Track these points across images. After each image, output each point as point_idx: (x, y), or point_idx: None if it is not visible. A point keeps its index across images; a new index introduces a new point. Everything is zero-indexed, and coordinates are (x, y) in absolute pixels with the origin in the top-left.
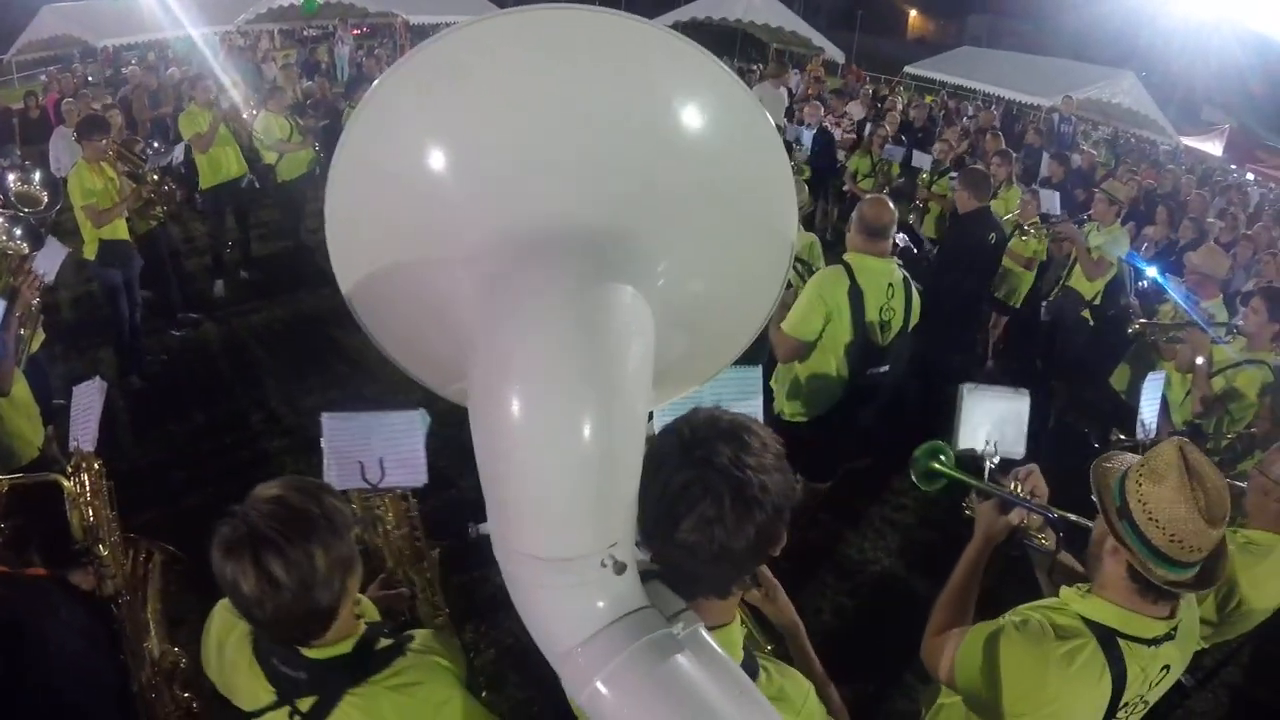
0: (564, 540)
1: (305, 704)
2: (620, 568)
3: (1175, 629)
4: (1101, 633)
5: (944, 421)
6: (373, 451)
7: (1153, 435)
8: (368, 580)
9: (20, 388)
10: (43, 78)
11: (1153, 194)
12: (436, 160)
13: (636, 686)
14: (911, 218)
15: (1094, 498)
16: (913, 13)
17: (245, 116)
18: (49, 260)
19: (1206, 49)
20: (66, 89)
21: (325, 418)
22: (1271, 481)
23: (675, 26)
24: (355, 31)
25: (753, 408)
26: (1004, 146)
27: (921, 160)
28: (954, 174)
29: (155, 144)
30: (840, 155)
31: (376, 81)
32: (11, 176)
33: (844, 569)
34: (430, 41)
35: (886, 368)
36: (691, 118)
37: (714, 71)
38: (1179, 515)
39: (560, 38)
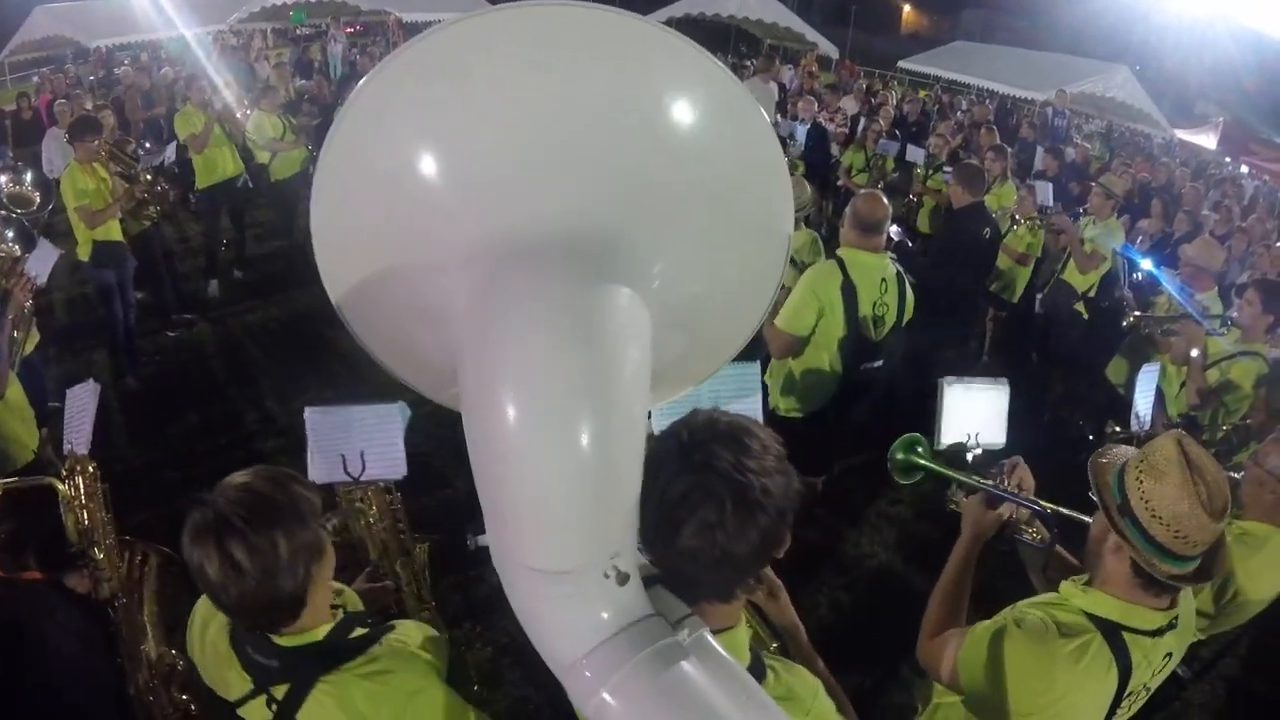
0: (565, 552)
1: (279, 691)
2: (624, 578)
3: (1176, 618)
4: (1105, 627)
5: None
6: (353, 445)
7: (1147, 427)
8: (356, 572)
9: (14, 391)
10: (35, 79)
11: (1147, 187)
12: (426, 161)
13: (643, 697)
14: (905, 212)
15: (1093, 495)
16: (906, 8)
17: (239, 116)
18: (41, 262)
19: (1201, 44)
20: (59, 90)
21: (308, 412)
22: (1266, 473)
23: (668, 23)
24: (349, 29)
25: (752, 405)
26: (999, 141)
27: (915, 155)
28: (948, 169)
29: (147, 144)
30: (834, 150)
31: (362, 81)
32: (3, 178)
33: (840, 564)
34: (418, 39)
35: (880, 363)
36: (687, 116)
37: (708, 68)
38: (1182, 511)
39: (553, 34)
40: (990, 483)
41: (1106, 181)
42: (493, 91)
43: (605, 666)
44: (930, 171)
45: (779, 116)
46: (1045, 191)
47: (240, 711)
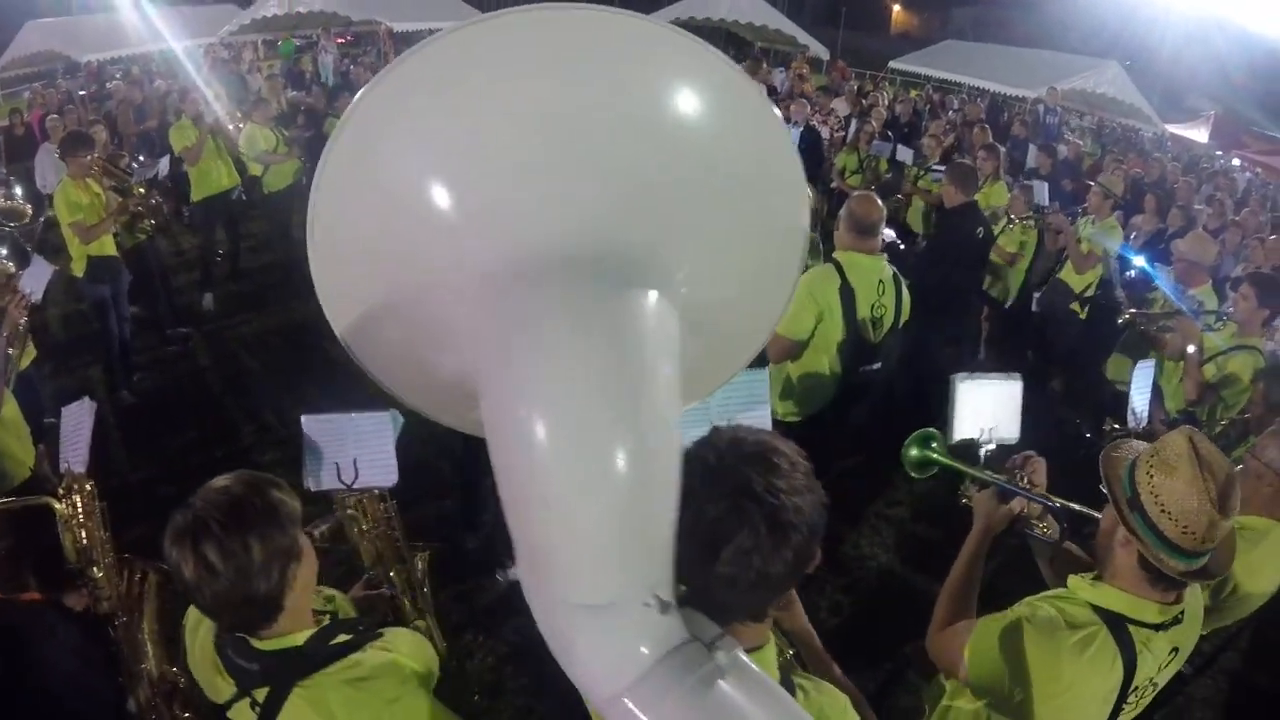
0: (608, 584)
1: (260, 695)
2: (665, 607)
3: (1182, 613)
4: (1112, 620)
5: (936, 416)
6: (347, 452)
7: (1144, 423)
8: (353, 580)
9: (10, 408)
10: (27, 94)
11: (1140, 183)
12: (431, 179)
13: None
14: (894, 209)
15: (1103, 488)
16: (896, 8)
17: (231, 129)
18: (36, 279)
19: (1190, 38)
20: (51, 105)
21: (305, 419)
22: (1264, 466)
23: None
24: (339, 40)
25: (761, 415)
26: (991, 140)
27: (905, 155)
28: (938, 168)
29: (140, 158)
30: (826, 152)
31: (357, 96)
32: None
33: (841, 566)
34: (414, 50)
35: (879, 365)
36: (703, 114)
37: (719, 65)
38: (1191, 508)
39: (563, 39)
40: (1003, 477)
41: (1106, 181)
42: (505, 101)
43: (650, 698)
44: (920, 171)
45: None
46: (1041, 191)
47: (228, 714)
